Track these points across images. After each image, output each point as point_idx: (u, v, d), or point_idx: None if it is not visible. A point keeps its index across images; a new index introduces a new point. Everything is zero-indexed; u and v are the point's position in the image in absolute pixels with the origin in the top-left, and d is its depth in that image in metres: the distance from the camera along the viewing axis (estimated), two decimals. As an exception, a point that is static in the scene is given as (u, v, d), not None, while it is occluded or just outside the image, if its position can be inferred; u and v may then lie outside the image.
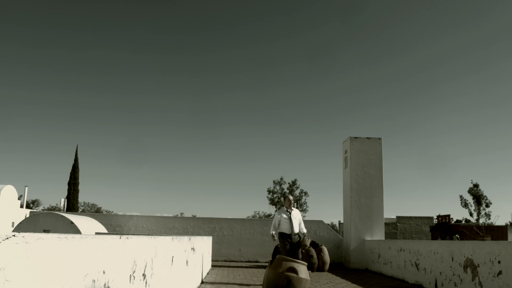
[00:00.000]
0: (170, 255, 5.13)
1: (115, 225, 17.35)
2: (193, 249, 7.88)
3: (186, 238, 6.95)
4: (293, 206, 10.36)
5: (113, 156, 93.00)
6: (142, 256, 3.60)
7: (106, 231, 15.55)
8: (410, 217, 42.91)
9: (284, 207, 10.25)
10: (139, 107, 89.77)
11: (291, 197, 10.28)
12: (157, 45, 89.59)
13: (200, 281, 9.62)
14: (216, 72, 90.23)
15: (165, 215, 23.26)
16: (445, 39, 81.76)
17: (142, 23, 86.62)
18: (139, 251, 3.50)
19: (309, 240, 10.59)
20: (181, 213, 67.04)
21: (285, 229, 9.90)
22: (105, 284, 2.62)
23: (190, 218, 19.37)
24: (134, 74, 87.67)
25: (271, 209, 65.10)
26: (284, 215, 9.99)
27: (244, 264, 15.54)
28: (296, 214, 10.13)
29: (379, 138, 15.74)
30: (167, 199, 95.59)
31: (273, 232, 10.13)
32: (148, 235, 4.58)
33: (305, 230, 10.24)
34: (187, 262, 6.94)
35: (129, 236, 3.20)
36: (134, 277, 3.32)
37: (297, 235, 9.91)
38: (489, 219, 61.17)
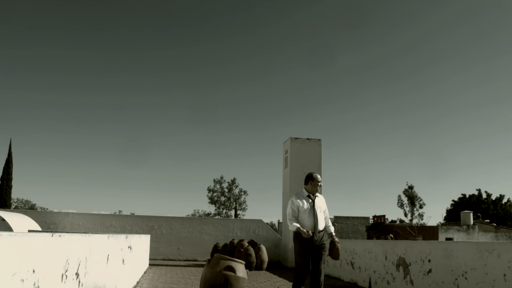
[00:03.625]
0: (106, 254, 5.03)
1: (50, 222, 16.80)
2: (130, 247, 7.75)
3: (123, 236, 6.83)
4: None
5: (50, 152, 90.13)
6: (76, 254, 3.51)
7: (40, 229, 15.04)
8: (348, 217, 43.92)
9: (304, 191, 6.76)
10: (78, 104, 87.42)
11: (319, 177, 6.77)
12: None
13: (137, 280, 9.47)
14: (158, 70, 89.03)
15: (103, 212, 22.76)
16: (380, 45, 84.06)
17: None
18: (73, 250, 3.41)
19: (338, 242, 6.77)
20: (119, 211, 65.71)
21: (304, 225, 6.52)
22: (34, 284, 2.54)
23: (128, 216, 19.03)
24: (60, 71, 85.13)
25: (211, 208, 64.94)
26: (304, 203, 6.59)
27: (182, 263, 15.41)
28: (321, 203, 6.78)
29: (319, 139, 15.99)
30: (105, 197, 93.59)
31: (298, 225, 6.51)
32: (84, 233, 4.47)
33: (332, 228, 6.89)
34: (123, 261, 6.83)
35: (62, 234, 3.11)
36: (66, 276, 3.23)
37: (322, 234, 6.64)
38: (422, 219, 63.51)
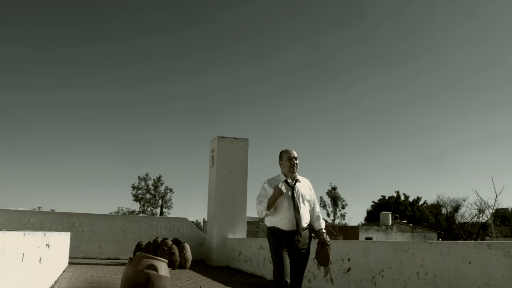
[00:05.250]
0: (21, 252, 4.83)
1: (-39, 219, 15.94)
2: (48, 245, 7.49)
3: (40, 233, 6.59)
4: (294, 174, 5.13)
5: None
6: (-13, 252, 3.36)
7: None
8: (273, 217, 44.39)
9: (281, 176, 5.14)
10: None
11: (294, 152, 5.13)
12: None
13: (55, 280, 9.17)
14: (80, 66, 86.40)
15: (20, 209, 21.83)
16: (310, 46, 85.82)
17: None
18: (-16, 248, 3.26)
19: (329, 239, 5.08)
20: (39, 207, 63.15)
21: (283, 220, 4.89)
22: None
23: (48, 212, 18.44)
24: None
25: (135, 205, 63.76)
26: (282, 190, 4.87)
27: (104, 262, 15.08)
28: (304, 189, 5.11)
29: (246, 139, 16.12)
30: (23, 193, 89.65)
31: (265, 205, 4.92)
32: (-3, 230, 4.28)
33: (322, 223, 5.18)
34: (40, 259, 6.59)
35: (-27, 231, 2.97)
36: (-24, 275, 3.09)
37: (307, 233, 5.02)
38: (344, 219, 65.40)
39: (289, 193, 4.96)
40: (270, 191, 4.92)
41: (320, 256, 5.05)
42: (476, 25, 78.99)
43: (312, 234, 5.15)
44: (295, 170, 5.11)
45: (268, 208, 4.90)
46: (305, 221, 4.97)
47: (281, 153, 5.18)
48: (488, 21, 77.06)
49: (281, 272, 4.72)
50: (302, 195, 5.04)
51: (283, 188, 4.86)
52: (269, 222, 5.03)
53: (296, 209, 4.90)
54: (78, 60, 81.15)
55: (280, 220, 4.90)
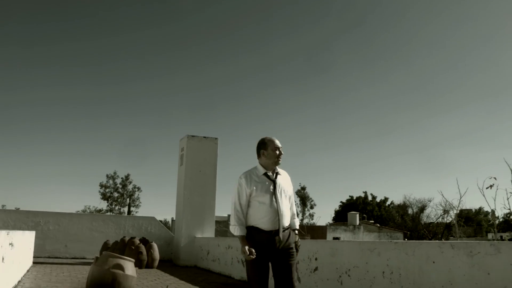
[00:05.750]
0: (-17, 251, 4.74)
1: None
2: (11, 244, 7.34)
3: (3, 232, 6.46)
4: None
5: None
6: None
7: None
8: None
9: (259, 168, 4.44)
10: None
11: (278, 142, 4.48)
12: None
13: (18, 279, 8.99)
14: (51, 65, 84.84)
15: (-17, 207, 21.34)
16: (280, 45, 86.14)
17: None
18: None
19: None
20: (3, 206, 61.76)
21: (263, 219, 4.27)
22: None
23: (12, 211, 18.02)
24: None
25: (103, 204, 62.98)
26: (261, 188, 4.33)
27: (69, 261, 14.85)
28: (285, 184, 4.51)
29: (216, 138, 16.10)
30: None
31: (241, 233, 4.25)
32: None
33: (297, 222, 4.61)
34: (3, 259, 6.46)
35: None
36: None
37: (288, 233, 4.37)
38: (312, 219, 65.96)
39: (271, 188, 4.33)
40: (247, 189, 4.30)
41: None
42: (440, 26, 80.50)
43: (296, 232, 4.55)
44: (280, 162, 4.48)
45: (234, 233, 4.31)
46: (286, 219, 4.37)
47: (265, 142, 4.46)
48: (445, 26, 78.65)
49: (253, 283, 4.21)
50: (284, 190, 4.44)
51: (253, 253, 4.13)
52: (247, 221, 4.35)
53: (279, 206, 4.29)
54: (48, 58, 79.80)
55: (260, 219, 4.25)
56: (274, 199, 4.30)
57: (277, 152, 4.42)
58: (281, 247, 4.26)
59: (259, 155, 4.45)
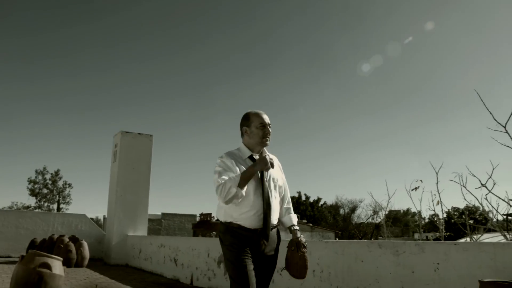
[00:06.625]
0: None
1: None
2: None
3: None
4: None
5: None
6: None
7: None
8: (175, 214, 44.09)
9: (243, 150, 3.55)
10: None
11: (265, 117, 3.54)
12: None
13: None
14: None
15: None
16: (221, 42, 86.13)
17: None
18: None
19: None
20: None
21: (247, 214, 3.35)
22: None
23: None
24: None
25: (31, 200, 60.77)
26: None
27: (-7, 260, 14.27)
28: (275, 172, 3.62)
29: (151, 135, 15.90)
30: None
31: (235, 181, 3.20)
32: None
33: (294, 219, 3.67)
34: None
35: None
36: None
37: (274, 232, 3.50)
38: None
39: (258, 175, 3.41)
40: (234, 167, 3.38)
41: (294, 264, 3.49)
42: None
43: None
44: (268, 142, 3.55)
45: (241, 186, 3.24)
46: (275, 216, 3.50)
47: (249, 116, 3.55)
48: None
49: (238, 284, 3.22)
50: (273, 179, 3.54)
51: (268, 158, 3.38)
52: (225, 215, 3.45)
53: (266, 199, 3.39)
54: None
55: (243, 214, 3.35)
56: (261, 189, 3.41)
57: (264, 129, 3.51)
58: (266, 250, 3.43)
59: (242, 134, 3.60)
